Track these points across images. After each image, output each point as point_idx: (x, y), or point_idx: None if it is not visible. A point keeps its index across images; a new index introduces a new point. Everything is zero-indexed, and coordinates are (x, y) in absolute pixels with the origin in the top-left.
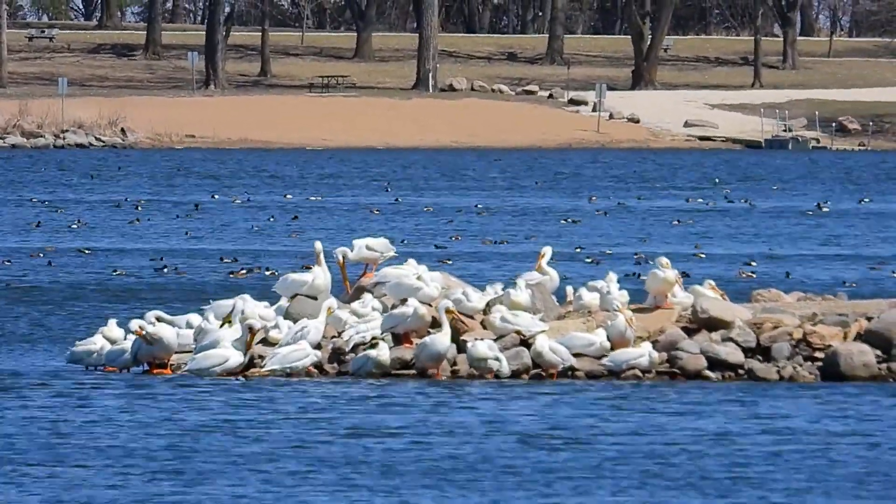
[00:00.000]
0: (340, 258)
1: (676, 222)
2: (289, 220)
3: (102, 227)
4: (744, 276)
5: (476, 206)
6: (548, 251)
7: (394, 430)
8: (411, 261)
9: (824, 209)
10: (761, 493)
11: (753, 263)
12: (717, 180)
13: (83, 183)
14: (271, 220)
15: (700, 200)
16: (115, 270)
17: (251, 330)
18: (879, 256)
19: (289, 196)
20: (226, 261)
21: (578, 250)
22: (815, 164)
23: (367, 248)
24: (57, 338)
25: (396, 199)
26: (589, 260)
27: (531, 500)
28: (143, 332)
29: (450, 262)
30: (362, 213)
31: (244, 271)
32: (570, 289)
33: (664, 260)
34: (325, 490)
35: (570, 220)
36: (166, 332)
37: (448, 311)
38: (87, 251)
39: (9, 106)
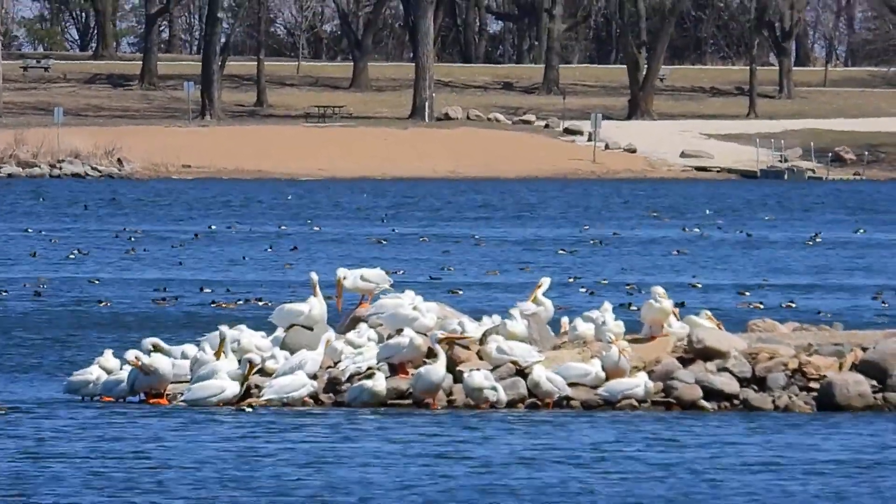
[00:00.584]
0: (341, 277)
1: (676, 252)
2: (285, 251)
3: (99, 257)
4: (751, 306)
5: (473, 236)
6: (545, 282)
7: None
8: (409, 292)
9: (817, 240)
10: None
11: (748, 293)
12: (707, 211)
13: (79, 213)
14: (269, 250)
15: (696, 230)
16: (100, 301)
17: (250, 364)
18: (878, 286)
19: (284, 226)
20: (206, 290)
21: (572, 280)
22: (809, 194)
23: (362, 278)
24: (53, 368)
25: (393, 230)
26: (583, 290)
27: None
28: (140, 363)
29: (460, 293)
30: (358, 243)
31: (239, 301)
32: (564, 319)
33: (660, 290)
34: None
35: (566, 250)
36: (162, 363)
37: (441, 341)
38: (96, 281)
39: (4, 136)
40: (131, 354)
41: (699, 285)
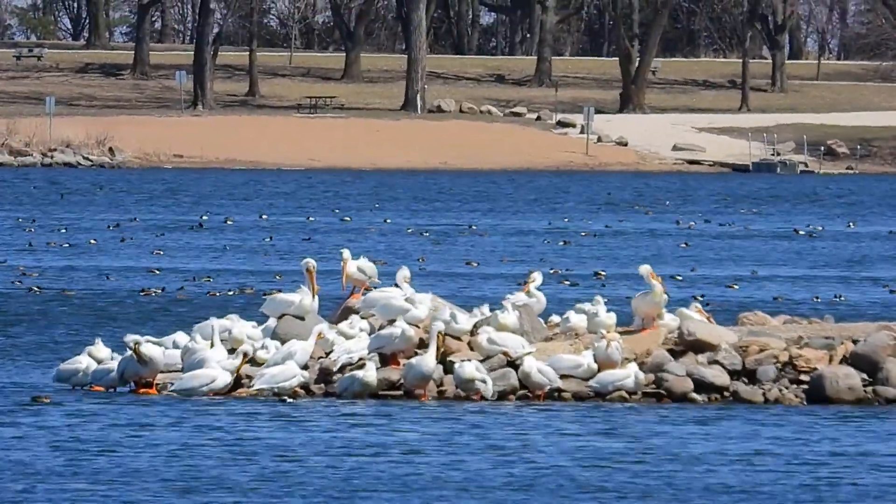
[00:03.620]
0: (346, 255)
1: (684, 245)
2: (291, 240)
3: (91, 246)
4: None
5: (471, 227)
6: (538, 276)
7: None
8: (403, 270)
9: (800, 233)
10: None
11: (736, 287)
12: (667, 203)
13: (73, 202)
14: (268, 240)
15: (693, 224)
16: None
17: (244, 355)
18: (882, 279)
19: (265, 216)
20: (208, 280)
21: (554, 272)
22: (802, 188)
23: (359, 269)
24: (43, 357)
25: (385, 220)
26: (567, 283)
27: None
28: (139, 350)
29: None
30: (351, 234)
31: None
32: (554, 318)
33: (647, 267)
34: None
35: (559, 242)
36: (155, 352)
37: (439, 335)
38: (157, 271)
39: None
40: (131, 339)
41: (680, 277)
